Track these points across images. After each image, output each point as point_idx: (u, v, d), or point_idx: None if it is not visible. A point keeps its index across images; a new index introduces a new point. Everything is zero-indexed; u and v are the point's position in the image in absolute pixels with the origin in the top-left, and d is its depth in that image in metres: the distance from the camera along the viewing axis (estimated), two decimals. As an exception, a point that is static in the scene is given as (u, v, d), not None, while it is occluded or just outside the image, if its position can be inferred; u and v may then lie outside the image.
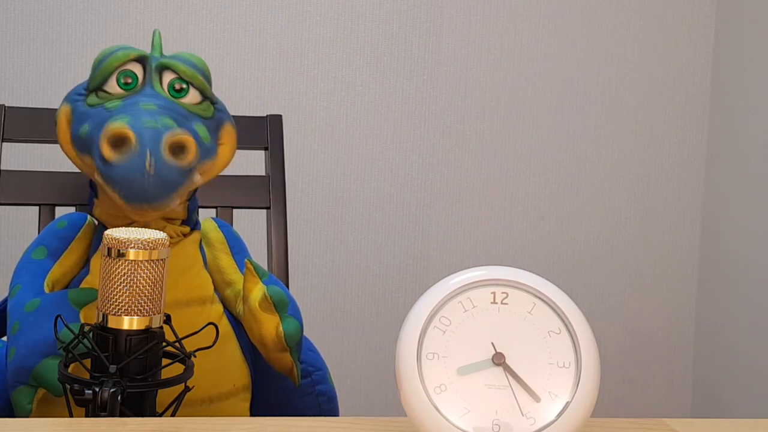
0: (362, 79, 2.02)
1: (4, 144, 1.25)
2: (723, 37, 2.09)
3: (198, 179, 0.97)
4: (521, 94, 2.07)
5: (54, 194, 1.25)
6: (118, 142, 0.91)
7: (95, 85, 0.99)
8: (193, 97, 1.00)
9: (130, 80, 0.98)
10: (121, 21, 1.92)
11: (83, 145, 0.96)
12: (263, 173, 1.35)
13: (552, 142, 2.08)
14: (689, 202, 2.13)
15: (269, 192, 1.33)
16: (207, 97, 1.01)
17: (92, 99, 0.99)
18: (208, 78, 1.02)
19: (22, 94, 1.90)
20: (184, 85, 0.99)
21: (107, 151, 0.91)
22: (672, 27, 2.10)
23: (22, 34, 1.90)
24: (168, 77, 1.00)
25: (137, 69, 0.99)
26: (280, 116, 1.38)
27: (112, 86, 0.98)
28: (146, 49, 1.04)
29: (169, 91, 0.99)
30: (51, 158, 1.82)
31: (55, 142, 1.29)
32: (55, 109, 1.28)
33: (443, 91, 2.04)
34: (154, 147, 0.91)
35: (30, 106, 1.70)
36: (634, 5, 2.09)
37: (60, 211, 1.18)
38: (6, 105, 1.26)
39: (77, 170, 1.24)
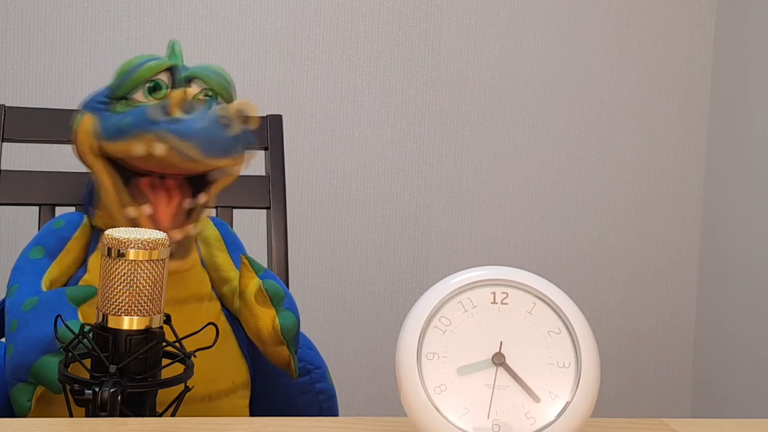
0: (362, 79, 2.02)
1: (4, 144, 1.26)
2: (723, 37, 2.09)
3: (235, 171, 1.01)
4: (521, 94, 2.07)
5: (54, 194, 1.25)
6: (188, 106, 0.94)
7: (123, 94, 0.99)
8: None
9: (158, 89, 0.99)
10: (121, 21, 1.92)
11: (126, 130, 0.96)
12: (263, 173, 1.35)
13: (552, 142, 2.08)
14: (689, 202, 2.13)
15: (269, 192, 1.33)
16: None
17: (120, 106, 0.99)
18: (234, 90, 1.04)
19: (22, 94, 1.90)
20: (213, 96, 1.02)
21: (177, 111, 0.93)
22: (672, 27, 2.10)
23: (22, 34, 1.90)
24: (196, 88, 1.01)
25: (165, 78, 1.00)
26: (280, 116, 1.38)
27: (141, 95, 0.99)
28: (150, 50, 1.04)
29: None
30: (51, 158, 1.82)
31: (55, 142, 1.30)
32: (56, 110, 1.29)
33: (443, 91, 2.04)
34: (224, 107, 0.96)
35: (30, 106, 1.71)
36: (634, 5, 2.09)
37: (60, 211, 1.18)
38: (6, 105, 1.26)
39: (77, 170, 1.25)
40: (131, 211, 0.98)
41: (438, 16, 2.03)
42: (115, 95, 0.99)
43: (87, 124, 1.00)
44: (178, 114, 0.93)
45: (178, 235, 0.98)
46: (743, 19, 2.02)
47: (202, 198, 1.00)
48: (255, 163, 1.39)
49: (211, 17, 1.96)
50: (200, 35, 1.96)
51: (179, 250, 0.98)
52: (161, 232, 0.85)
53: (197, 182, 1.01)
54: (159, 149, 0.94)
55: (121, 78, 1.00)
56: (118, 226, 1.00)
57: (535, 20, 2.06)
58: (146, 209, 0.98)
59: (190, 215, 1.00)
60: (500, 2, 2.05)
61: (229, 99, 1.03)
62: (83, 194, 1.10)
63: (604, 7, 2.08)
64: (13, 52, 1.90)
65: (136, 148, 0.96)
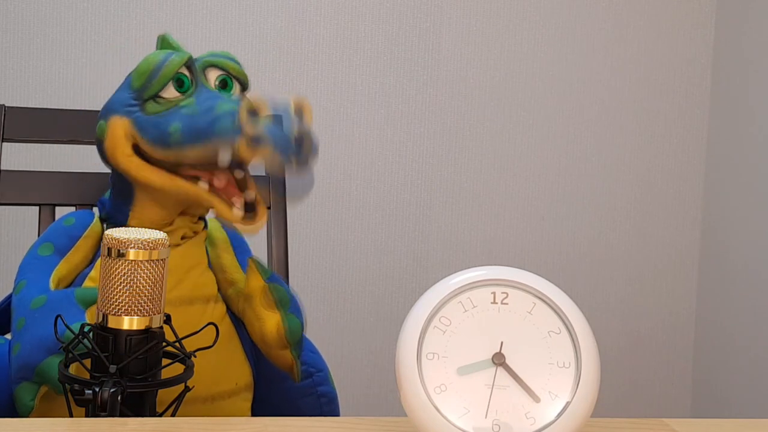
0: (362, 79, 2.02)
1: (4, 144, 1.25)
2: (723, 37, 2.09)
3: None
4: (521, 94, 2.07)
5: (54, 194, 1.25)
6: (253, 114, 0.92)
7: (152, 93, 0.99)
8: (236, 91, 1.03)
9: (183, 83, 0.99)
10: (121, 21, 1.92)
11: (185, 139, 0.95)
12: (263, 173, 1.35)
13: (552, 142, 2.08)
14: (689, 202, 2.13)
15: (269, 192, 1.33)
16: (245, 90, 1.04)
17: (153, 107, 0.98)
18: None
19: (22, 94, 1.90)
20: (229, 81, 1.03)
21: (252, 127, 0.92)
22: (672, 27, 2.10)
23: (22, 34, 1.90)
24: (213, 75, 1.02)
25: (186, 71, 1.00)
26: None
27: (169, 91, 0.99)
28: (150, 50, 1.04)
29: (216, 88, 1.01)
30: (51, 158, 1.83)
31: (55, 142, 1.30)
32: (56, 110, 1.29)
33: (443, 91, 2.04)
34: (287, 111, 0.94)
35: (30, 106, 1.71)
36: (634, 5, 2.09)
37: (60, 211, 1.18)
38: (6, 105, 1.26)
39: (77, 170, 1.25)
40: (202, 185, 0.97)
41: (438, 16, 2.03)
42: (145, 96, 0.99)
43: (119, 127, 0.99)
44: (251, 128, 0.91)
45: (245, 198, 0.97)
46: (743, 19, 2.02)
47: (238, 173, 0.99)
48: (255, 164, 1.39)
49: (211, 17, 1.96)
50: (200, 35, 1.96)
51: (249, 213, 0.98)
52: (160, 231, 0.85)
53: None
54: (224, 157, 0.93)
55: (148, 78, 0.99)
56: (162, 222, 1.00)
57: (535, 20, 2.06)
58: (203, 185, 0.98)
59: (240, 185, 1.00)
60: (500, 2, 2.05)
61: (245, 81, 1.04)
62: (86, 191, 1.10)
63: (604, 7, 2.08)
64: (13, 52, 1.90)
65: (203, 155, 0.95)
